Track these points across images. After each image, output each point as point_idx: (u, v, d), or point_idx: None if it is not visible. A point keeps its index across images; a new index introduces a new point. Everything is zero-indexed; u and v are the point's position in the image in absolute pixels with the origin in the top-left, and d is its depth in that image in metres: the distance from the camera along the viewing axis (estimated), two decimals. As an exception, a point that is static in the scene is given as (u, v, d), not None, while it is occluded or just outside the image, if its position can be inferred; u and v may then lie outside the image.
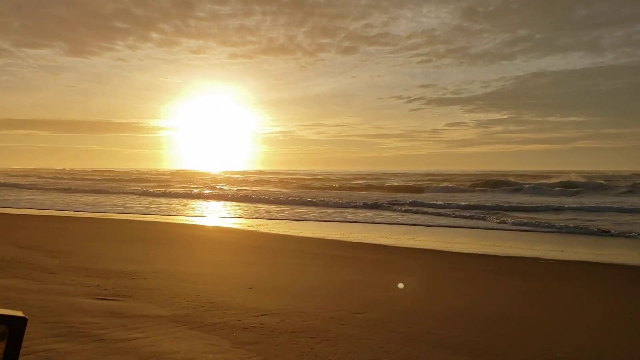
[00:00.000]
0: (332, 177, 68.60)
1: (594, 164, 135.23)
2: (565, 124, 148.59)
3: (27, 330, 0.99)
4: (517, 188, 36.92)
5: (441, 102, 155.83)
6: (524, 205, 23.77)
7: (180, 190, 40.76)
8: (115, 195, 35.37)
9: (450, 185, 43.12)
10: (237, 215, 22.00)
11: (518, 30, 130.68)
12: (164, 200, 30.72)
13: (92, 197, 32.52)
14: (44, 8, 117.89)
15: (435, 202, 24.46)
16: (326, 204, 26.51)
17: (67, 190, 39.62)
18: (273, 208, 25.52)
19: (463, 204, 23.95)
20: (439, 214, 20.20)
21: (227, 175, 77.96)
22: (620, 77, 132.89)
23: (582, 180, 38.21)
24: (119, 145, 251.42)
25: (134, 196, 34.03)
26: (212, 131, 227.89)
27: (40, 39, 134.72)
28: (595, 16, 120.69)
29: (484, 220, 18.49)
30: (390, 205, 23.27)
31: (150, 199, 32.15)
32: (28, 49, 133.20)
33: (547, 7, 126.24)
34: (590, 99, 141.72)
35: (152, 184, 51.75)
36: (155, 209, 24.54)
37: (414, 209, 21.90)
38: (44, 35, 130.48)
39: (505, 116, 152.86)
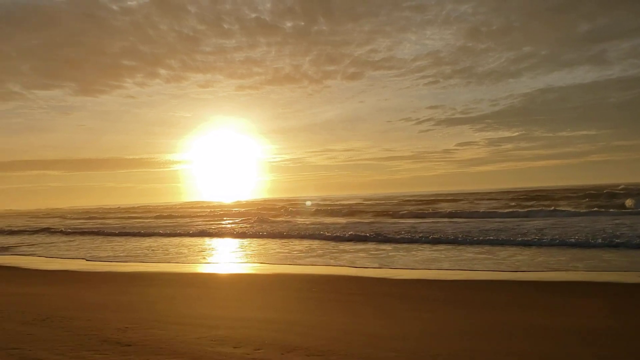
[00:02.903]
0: (411, 199, 60.57)
1: (608, 177, 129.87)
2: (576, 138, 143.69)
3: None
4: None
5: (451, 122, 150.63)
6: None
7: (266, 225, 33.43)
8: (202, 237, 28.06)
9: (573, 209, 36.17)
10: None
11: (523, 48, 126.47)
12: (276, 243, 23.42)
13: (189, 240, 25.27)
14: (52, 50, 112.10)
15: None
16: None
17: (142, 234, 31.98)
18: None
19: None
20: None
21: (267, 205, 69.85)
22: (629, 89, 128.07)
23: None
24: (131, 181, 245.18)
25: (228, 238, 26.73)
26: (223, 162, 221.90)
27: (50, 80, 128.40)
28: (599, 30, 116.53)
29: None
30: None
31: (266, 241, 24.84)
32: (38, 90, 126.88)
33: (550, 24, 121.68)
34: (600, 111, 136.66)
35: (209, 220, 44.50)
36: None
37: None
38: (54, 76, 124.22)
39: (516, 133, 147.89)
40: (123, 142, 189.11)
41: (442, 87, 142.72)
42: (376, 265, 14.24)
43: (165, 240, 26.86)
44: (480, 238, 20.12)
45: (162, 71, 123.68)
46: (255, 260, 16.35)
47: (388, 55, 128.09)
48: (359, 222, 33.04)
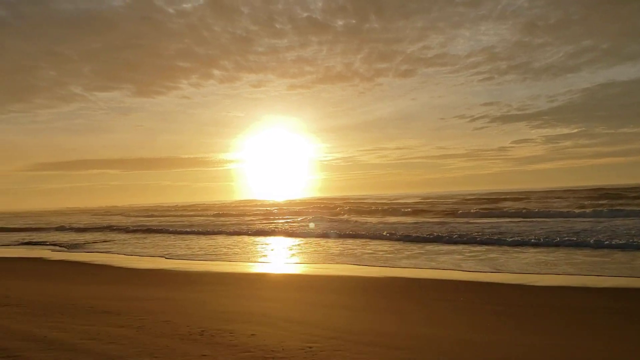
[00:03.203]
0: (472, 198, 57.36)
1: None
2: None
3: None
4: None
5: (506, 119, 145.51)
6: None
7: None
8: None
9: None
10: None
11: (582, 41, 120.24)
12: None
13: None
14: (112, 53, 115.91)
15: None
16: None
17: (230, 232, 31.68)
18: None
19: None
20: None
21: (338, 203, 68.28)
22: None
23: None
24: (187, 179, 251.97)
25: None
26: (275, 161, 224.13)
27: (110, 82, 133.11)
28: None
29: None
30: None
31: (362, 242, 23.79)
32: (98, 92, 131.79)
33: (612, 16, 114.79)
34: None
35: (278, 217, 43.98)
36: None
37: None
38: (113, 78, 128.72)
39: (575, 130, 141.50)
40: (178, 142, 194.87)
41: (497, 84, 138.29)
42: (488, 269, 12.87)
43: (236, 238, 26.28)
44: (576, 239, 18.41)
45: (216, 72, 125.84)
46: (350, 262, 15.26)
47: (441, 51, 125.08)
48: (428, 222, 31.50)
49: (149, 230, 34.08)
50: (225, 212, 58.97)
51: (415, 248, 18.89)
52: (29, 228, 41.73)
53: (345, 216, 43.46)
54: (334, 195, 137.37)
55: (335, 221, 36.04)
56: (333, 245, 20.68)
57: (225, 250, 20.54)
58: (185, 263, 16.17)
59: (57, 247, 24.69)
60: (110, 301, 7.04)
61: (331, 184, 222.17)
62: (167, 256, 19.05)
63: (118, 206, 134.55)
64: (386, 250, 18.20)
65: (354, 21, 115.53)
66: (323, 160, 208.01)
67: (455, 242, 20.23)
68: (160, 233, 31.92)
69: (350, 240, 22.23)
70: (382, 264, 14.25)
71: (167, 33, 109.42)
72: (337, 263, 14.83)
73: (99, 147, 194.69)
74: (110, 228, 38.27)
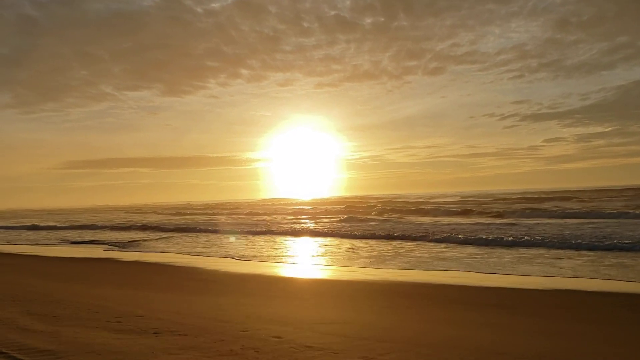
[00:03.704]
0: (515, 198, 54.18)
1: None
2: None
3: None
4: None
5: (537, 117, 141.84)
6: None
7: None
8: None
9: None
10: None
11: (617, 38, 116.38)
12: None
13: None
14: (141, 53, 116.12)
15: None
16: None
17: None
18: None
19: None
20: None
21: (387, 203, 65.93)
22: None
23: None
24: (215, 178, 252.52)
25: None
26: (302, 160, 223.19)
27: (139, 81, 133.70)
28: None
29: None
30: None
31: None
32: (128, 91, 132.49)
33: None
34: None
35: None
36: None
37: None
38: (142, 78, 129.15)
39: (609, 129, 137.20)
40: (206, 141, 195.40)
41: (528, 81, 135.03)
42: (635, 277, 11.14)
43: (293, 238, 24.85)
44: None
45: (244, 71, 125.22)
46: (459, 268, 13.59)
47: (471, 49, 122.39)
48: (491, 223, 29.58)
49: (192, 229, 32.84)
50: (259, 211, 57.78)
51: (503, 251, 17.18)
52: (70, 226, 41.02)
53: (385, 215, 41.75)
54: (362, 194, 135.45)
55: (383, 221, 34.36)
56: (407, 247, 19.04)
57: (295, 252, 19.11)
58: (267, 266, 14.74)
59: (110, 246, 23.54)
60: (280, 326, 5.50)
61: (358, 182, 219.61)
62: (235, 257, 17.69)
63: (148, 204, 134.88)
64: (475, 254, 16.51)
65: (382, 19, 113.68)
66: (350, 158, 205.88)
67: (545, 246, 18.38)
68: (206, 232, 30.62)
69: (417, 244, 20.51)
70: (502, 271, 12.56)
71: (195, 33, 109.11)
72: (448, 270, 13.14)
73: (128, 146, 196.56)
74: (152, 226, 37.23)
